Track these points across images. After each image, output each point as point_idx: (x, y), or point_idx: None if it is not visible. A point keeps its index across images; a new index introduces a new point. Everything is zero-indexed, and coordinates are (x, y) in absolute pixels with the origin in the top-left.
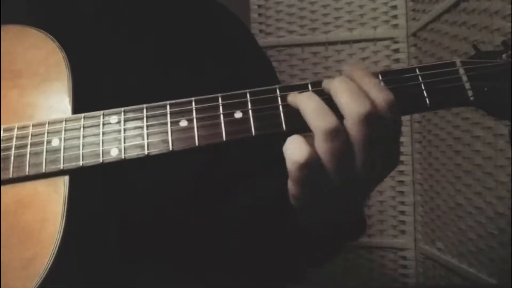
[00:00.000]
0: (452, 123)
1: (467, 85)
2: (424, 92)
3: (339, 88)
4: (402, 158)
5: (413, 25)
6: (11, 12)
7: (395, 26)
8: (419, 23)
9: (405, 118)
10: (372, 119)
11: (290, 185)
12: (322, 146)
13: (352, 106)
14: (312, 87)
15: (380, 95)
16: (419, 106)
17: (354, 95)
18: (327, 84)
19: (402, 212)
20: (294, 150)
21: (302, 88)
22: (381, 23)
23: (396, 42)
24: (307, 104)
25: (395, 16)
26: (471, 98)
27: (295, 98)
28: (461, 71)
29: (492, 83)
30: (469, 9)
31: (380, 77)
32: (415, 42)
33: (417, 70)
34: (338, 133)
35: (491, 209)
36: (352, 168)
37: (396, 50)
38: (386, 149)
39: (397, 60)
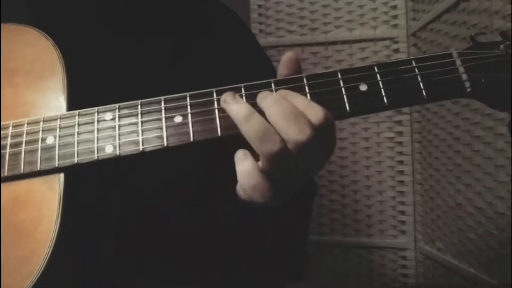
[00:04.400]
0: (452, 123)
1: (464, 77)
2: (421, 84)
3: (274, 112)
4: (402, 158)
5: (413, 25)
6: (8, 11)
7: (395, 26)
8: (419, 23)
9: (405, 118)
10: (313, 142)
11: (242, 195)
12: (269, 166)
13: (291, 133)
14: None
15: (317, 115)
16: (416, 98)
17: (291, 120)
18: (261, 102)
19: (402, 212)
20: (246, 174)
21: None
22: (381, 23)
23: (396, 42)
24: (247, 126)
25: (395, 16)
26: (468, 90)
27: (235, 115)
28: (458, 62)
29: (490, 74)
30: (469, 9)
31: (376, 69)
32: (415, 42)
33: (413, 62)
34: (282, 156)
35: (491, 209)
36: (296, 172)
37: (396, 50)
38: (327, 150)
39: None
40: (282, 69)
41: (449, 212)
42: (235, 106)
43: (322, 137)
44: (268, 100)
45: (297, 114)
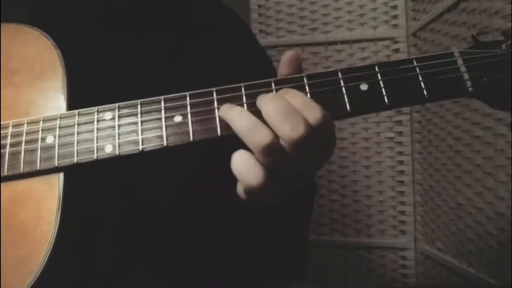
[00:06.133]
0: (452, 123)
1: (466, 76)
2: (422, 83)
3: (268, 109)
4: (402, 158)
5: (413, 25)
6: (8, 10)
7: (395, 26)
8: (419, 23)
9: (405, 118)
10: (307, 140)
11: (242, 194)
12: (262, 160)
13: (283, 129)
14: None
15: (314, 114)
16: (417, 98)
17: (284, 117)
18: (259, 101)
19: (402, 212)
20: (246, 173)
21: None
22: (381, 23)
23: (396, 42)
24: (237, 121)
25: (395, 16)
26: (470, 89)
27: (225, 114)
28: (460, 61)
29: (492, 73)
30: (469, 9)
31: (377, 69)
32: (415, 42)
33: (414, 62)
34: (273, 148)
35: (491, 209)
36: (293, 170)
37: (396, 50)
38: (325, 150)
39: None
40: (283, 68)
41: (449, 212)
42: (229, 112)
43: (320, 137)
44: (264, 98)
45: (291, 111)
